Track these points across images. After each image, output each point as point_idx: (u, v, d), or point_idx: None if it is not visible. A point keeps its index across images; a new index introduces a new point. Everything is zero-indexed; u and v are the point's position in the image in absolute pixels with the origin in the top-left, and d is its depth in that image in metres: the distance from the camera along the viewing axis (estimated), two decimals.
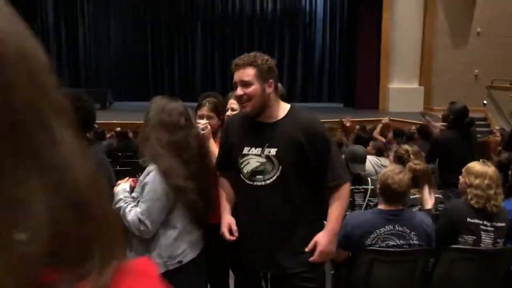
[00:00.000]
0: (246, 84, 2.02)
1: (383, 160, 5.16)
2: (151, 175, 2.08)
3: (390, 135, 7.14)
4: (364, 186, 3.71)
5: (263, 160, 2.05)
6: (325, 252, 2.10)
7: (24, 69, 0.37)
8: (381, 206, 2.71)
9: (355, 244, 2.72)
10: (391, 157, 4.82)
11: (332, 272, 2.89)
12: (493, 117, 12.23)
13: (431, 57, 13.24)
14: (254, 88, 2.02)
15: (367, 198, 3.72)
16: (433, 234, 2.68)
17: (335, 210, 2.13)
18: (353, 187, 3.71)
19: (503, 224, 2.78)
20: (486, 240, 2.74)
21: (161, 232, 2.12)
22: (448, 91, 13.06)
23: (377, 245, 2.65)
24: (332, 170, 2.07)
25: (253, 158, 2.08)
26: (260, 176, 2.08)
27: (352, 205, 3.69)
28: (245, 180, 2.12)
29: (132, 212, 2.07)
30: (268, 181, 2.07)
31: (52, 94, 0.41)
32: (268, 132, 2.08)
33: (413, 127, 8.59)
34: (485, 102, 12.42)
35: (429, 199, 3.34)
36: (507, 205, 2.94)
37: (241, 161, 2.11)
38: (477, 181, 2.77)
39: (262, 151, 2.05)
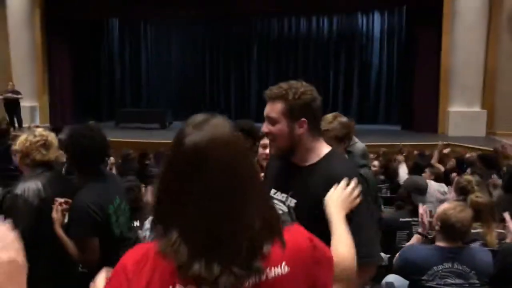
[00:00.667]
0: (272, 121, 1.71)
1: (445, 187, 5.03)
2: None
3: (452, 163, 6.89)
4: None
5: (285, 209, 1.70)
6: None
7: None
8: (439, 243, 2.66)
9: (410, 279, 2.69)
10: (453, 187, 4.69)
11: None
12: None
13: (494, 79, 12.73)
14: (279, 127, 1.70)
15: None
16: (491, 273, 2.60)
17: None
18: (411, 219, 3.67)
19: None
20: None
21: None
22: None
23: (435, 282, 2.60)
24: (357, 242, 1.51)
25: (277, 204, 1.71)
26: None
27: (408, 238, 3.63)
28: None
29: None
30: None
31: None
32: (296, 177, 1.73)
33: (473, 154, 8.27)
34: None
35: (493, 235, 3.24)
36: None
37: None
38: None
39: (286, 199, 1.72)
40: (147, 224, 2.43)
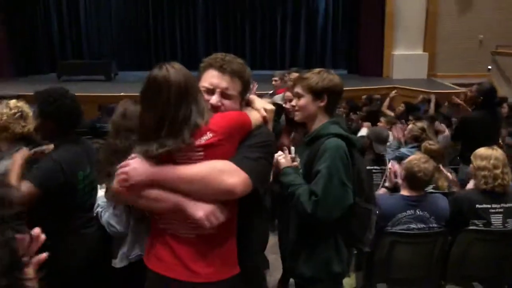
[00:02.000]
0: (227, 96, 1.74)
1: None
2: None
3: (402, 107, 7.23)
4: (382, 167, 3.90)
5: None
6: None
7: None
8: (404, 192, 2.90)
9: (377, 226, 2.92)
10: (402, 131, 4.97)
11: (355, 252, 3.09)
12: (498, 82, 12.29)
13: (435, 23, 13.16)
14: (230, 103, 1.75)
15: (383, 178, 3.92)
16: (448, 216, 2.88)
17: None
18: (373, 167, 3.91)
19: (511, 205, 2.97)
20: (496, 222, 2.93)
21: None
22: (453, 57, 13.09)
23: (398, 228, 2.85)
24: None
25: None
26: None
27: None
28: None
29: (105, 216, 2.36)
30: None
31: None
32: None
33: (420, 97, 8.68)
34: (489, 67, 12.45)
35: (450, 176, 3.54)
36: None
37: None
38: (483, 163, 2.96)
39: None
40: (100, 199, 2.48)
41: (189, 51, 16.72)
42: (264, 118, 1.78)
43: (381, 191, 3.18)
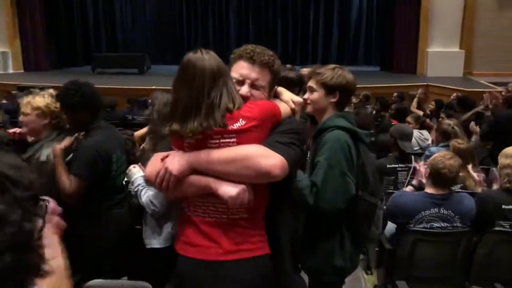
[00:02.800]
0: (257, 87, 1.74)
1: (425, 134, 5.22)
2: None
3: (432, 106, 7.07)
4: (407, 165, 3.83)
5: None
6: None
7: None
8: (428, 190, 2.84)
9: (399, 223, 2.88)
10: (433, 131, 4.86)
11: (377, 248, 3.06)
12: None
13: (473, 19, 12.77)
14: (260, 93, 1.74)
15: (408, 176, 3.85)
16: (474, 217, 2.81)
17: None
18: (397, 166, 3.85)
19: None
20: None
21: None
22: (490, 55, 12.67)
23: (421, 226, 2.80)
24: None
25: None
26: None
27: (395, 183, 3.83)
28: None
29: (145, 195, 2.37)
30: None
31: None
32: None
33: (454, 95, 8.46)
34: None
35: (476, 177, 3.45)
36: None
37: None
38: (507, 161, 2.87)
39: None
40: (139, 180, 2.53)
41: (221, 47, 16.77)
42: (292, 109, 1.80)
43: (408, 189, 3.12)
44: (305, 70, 3.26)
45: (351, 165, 2.06)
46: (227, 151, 1.59)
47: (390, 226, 3.10)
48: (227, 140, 1.60)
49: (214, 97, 1.57)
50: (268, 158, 1.56)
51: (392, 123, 5.45)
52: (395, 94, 8.82)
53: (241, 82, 1.72)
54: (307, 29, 16.37)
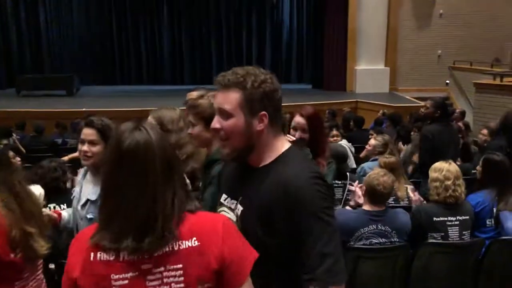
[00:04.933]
0: (225, 114, 1.41)
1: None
2: None
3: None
4: (343, 181, 3.93)
5: (233, 218, 1.46)
6: None
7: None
8: (365, 207, 2.92)
9: (342, 241, 2.94)
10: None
11: None
12: (455, 95, 12.74)
13: (396, 38, 13.58)
14: (234, 122, 1.40)
15: (345, 192, 3.95)
16: (409, 231, 2.93)
17: None
18: (333, 182, 3.94)
19: (467, 217, 3.07)
20: (453, 235, 3.02)
21: None
22: (413, 71, 13.51)
23: (361, 243, 2.87)
24: (307, 258, 1.31)
25: (226, 212, 1.51)
26: None
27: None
28: None
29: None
30: None
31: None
32: (248, 181, 1.47)
33: (380, 112, 8.89)
34: (447, 82, 12.90)
35: (412, 196, 3.61)
36: (471, 200, 3.22)
37: (218, 209, 1.56)
38: (435, 175, 3.06)
39: (235, 206, 1.48)
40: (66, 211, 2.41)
41: (154, 65, 16.62)
42: None
43: (347, 208, 3.20)
44: (193, 94, 2.93)
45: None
46: None
47: None
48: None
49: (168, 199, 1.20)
50: None
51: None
52: (327, 111, 9.11)
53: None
54: (240, 47, 16.61)
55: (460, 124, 6.66)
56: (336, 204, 3.92)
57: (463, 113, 9.00)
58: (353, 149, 5.28)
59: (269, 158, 1.44)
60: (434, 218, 3.00)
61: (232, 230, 1.26)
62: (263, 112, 1.40)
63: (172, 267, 1.16)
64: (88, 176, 2.41)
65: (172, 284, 1.16)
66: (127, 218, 1.15)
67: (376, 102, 11.26)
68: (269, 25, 16.63)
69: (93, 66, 16.05)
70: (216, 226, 1.23)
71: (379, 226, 2.86)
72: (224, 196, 1.55)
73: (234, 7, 16.41)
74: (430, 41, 13.43)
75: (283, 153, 1.45)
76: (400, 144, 5.54)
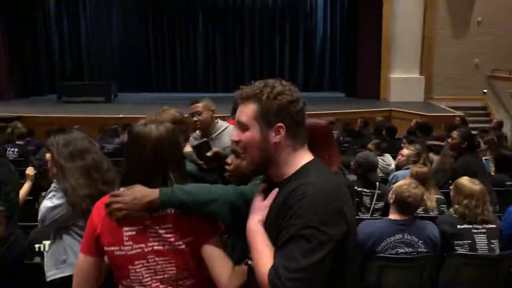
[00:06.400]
0: (242, 126, 1.42)
1: (387, 159, 5.39)
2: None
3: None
4: (372, 190, 3.94)
5: None
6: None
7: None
8: (392, 216, 2.93)
9: (367, 251, 2.96)
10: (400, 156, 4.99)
11: None
12: (493, 105, 12.43)
13: (431, 46, 13.37)
14: (250, 134, 1.40)
15: (373, 201, 3.96)
16: (438, 243, 2.91)
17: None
18: (362, 189, 3.96)
19: (493, 226, 3.03)
20: (481, 243, 2.97)
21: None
22: (449, 80, 13.24)
23: (387, 252, 2.88)
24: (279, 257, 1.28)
25: None
26: None
27: (359, 205, 3.93)
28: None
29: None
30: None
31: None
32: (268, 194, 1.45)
33: (414, 121, 8.77)
34: (485, 91, 12.59)
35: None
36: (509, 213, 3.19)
37: None
38: (465, 201, 3.04)
39: None
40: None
41: (189, 73, 16.95)
42: None
43: None
44: (199, 106, 3.32)
45: None
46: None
47: None
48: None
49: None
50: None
51: (358, 151, 5.60)
52: (359, 119, 9.08)
53: None
54: (273, 56, 16.73)
55: (491, 137, 6.50)
56: (363, 212, 3.95)
57: (500, 124, 8.80)
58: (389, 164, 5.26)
59: (288, 172, 1.41)
60: (458, 226, 2.98)
61: None
62: (280, 124, 1.38)
63: (164, 226, 1.57)
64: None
65: (163, 235, 1.56)
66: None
67: (410, 111, 11.11)
68: (302, 32, 16.69)
69: (130, 73, 16.53)
70: None
71: (405, 236, 2.87)
72: None
73: (268, 16, 16.56)
74: (467, 49, 13.14)
75: (303, 166, 1.40)
76: (431, 154, 5.47)
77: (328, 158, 2.07)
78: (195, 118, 3.29)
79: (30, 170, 3.70)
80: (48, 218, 2.19)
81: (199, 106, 3.31)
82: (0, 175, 2.63)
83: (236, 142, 1.44)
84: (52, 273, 2.22)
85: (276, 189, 1.41)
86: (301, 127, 1.43)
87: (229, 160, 2.04)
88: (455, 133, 4.64)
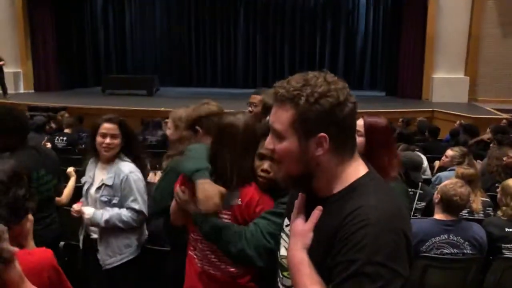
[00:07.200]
0: (277, 134, 1.19)
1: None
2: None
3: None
4: (414, 190, 3.91)
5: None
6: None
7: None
8: (437, 216, 2.91)
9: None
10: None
11: None
12: None
13: (478, 46, 12.97)
14: (286, 145, 1.17)
15: (415, 201, 3.92)
16: (485, 245, 2.87)
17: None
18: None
19: None
20: None
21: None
22: (495, 81, 12.82)
23: (432, 253, 2.87)
24: None
25: (283, 240, 1.38)
26: (286, 273, 1.33)
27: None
28: (278, 270, 1.41)
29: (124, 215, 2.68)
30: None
31: None
32: (311, 210, 1.22)
33: (457, 122, 8.58)
34: None
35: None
36: None
37: (280, 234, 1.42)
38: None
39: None
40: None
41: (228, 69, 17.10)
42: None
43: None
44: (256, 98, 3.22)
45: None
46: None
47: None
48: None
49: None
50: None
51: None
52: (400, 119, 8.95)
53: None
54: (313, 54, 16.64)
55: None
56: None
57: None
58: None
59: (336, 188, 1.19)
60: (507, 229, 2.93)
61: None
62: (322, 134, 1.13)
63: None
64: (100, 165, 2.77)
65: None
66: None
67: (454, 112, 10.83)
68: (344, 30, 16.51)
69: (172, 68, 16.84)
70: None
71: (451, 236, 2.84)
72: (286, 221, 1.37)
73: (310, 13, 16.48)
74: None
75: (355, 181, 1.18)
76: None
77: (388, 162, 1.97)
78: (250, 109, 3.28)
79: (71, 170, 3.83)
80: None
81: (257, 98, 3.25)
82: (32, 160, 2.70)
83: (271, 151, 1.21)
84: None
85: (320, 208, 1.18)
86: (350, 135, 1.20)
87: (267, 166, 1.79)
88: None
